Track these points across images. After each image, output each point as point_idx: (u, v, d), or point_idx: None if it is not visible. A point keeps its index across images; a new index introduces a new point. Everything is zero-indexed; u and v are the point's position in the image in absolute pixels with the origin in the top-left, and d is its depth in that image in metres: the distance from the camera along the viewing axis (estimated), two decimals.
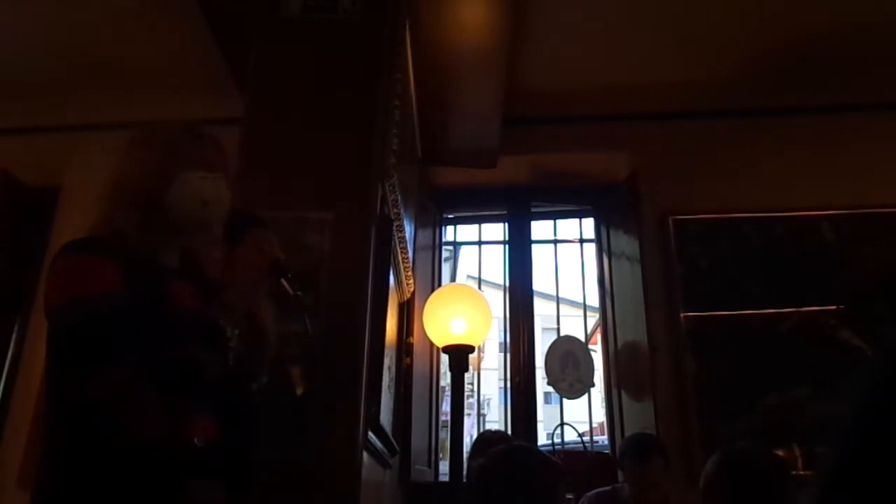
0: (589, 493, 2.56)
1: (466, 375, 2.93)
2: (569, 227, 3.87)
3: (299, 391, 1.74)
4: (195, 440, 1.12)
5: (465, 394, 3.56)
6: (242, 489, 1.23)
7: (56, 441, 1.12)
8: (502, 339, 3.75)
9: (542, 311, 3.73)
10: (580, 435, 3.32)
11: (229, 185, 1.34)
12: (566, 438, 3.29)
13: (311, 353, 1.77)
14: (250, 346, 1.26)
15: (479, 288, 3.58)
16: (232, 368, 1.20)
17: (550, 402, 6.89)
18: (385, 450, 2.22)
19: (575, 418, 3.43)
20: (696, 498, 1.72)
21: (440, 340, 2.87)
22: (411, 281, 2.93)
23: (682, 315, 3.00)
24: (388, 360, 2.29)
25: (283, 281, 1.22)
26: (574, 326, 3.60)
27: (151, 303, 1.15)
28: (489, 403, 11.06)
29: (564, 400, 3.31)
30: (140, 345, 1.08)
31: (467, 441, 3.51)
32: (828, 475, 0.61)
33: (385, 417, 2.20)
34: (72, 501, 1.08)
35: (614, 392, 3.33)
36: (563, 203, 3.77)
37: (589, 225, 3.75)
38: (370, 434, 1.91)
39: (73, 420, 1.11)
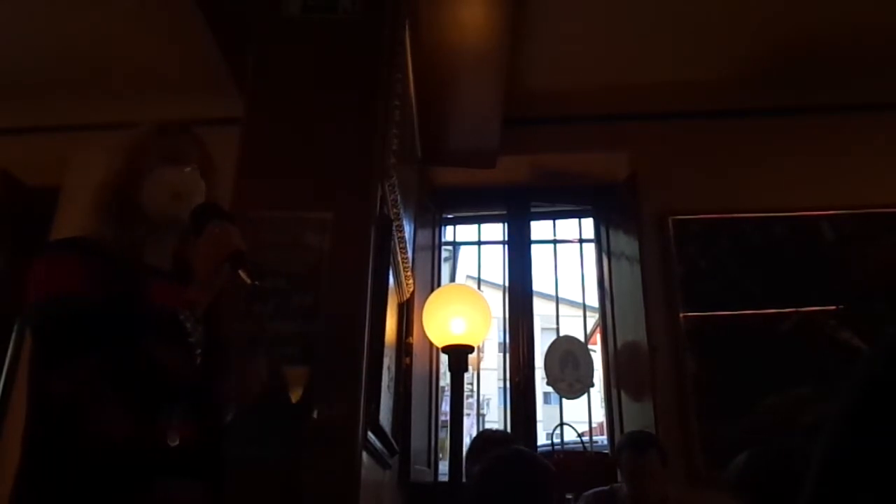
0: (586, 493, 2.56)
1: (466, 375, 2.93)
2: (568, 227, 3.87)
3: (298, 390, 1.74)
4: (168, 439, 1.11)
5: (465, 394, 3.56)
6: (218, 487, 1.22)
7: (29, 437, 1.13)
8: (502, 339, 3.75)
9: (542, 311, 3.73)
10: (580, 435, 3.32)
11: (210, 176, 1.34)
12: (566, 438, 3.29)
13: (310, 353, 1.77)
14: (212, 339, 1.25)
15: (479, 288, 3.58)
16: (200, 364, 1.19)
17: (550, 402, 6.88)
18: (385, 450, 2.22)
19: (574, 418, 3.43)
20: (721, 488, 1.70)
21: (440, 340, 2.87)
22: (411, 281, 2.93)
23: (681, 315, 3.00)
24: (388, 360, 2.29)
25: (240, 271, 1.20)
26: (574, 326, 3.60)
27: (124, 302, 1.15)
28: (489, 403, 11.05)
29: (564, 400, 3.31)
30: (104, 344, 1.08)
31: (467, 441, 3.51)
32: (816, 474, 0.61)
33: (385, 417, 2.20)
34: (40, 499, 1.08)
35: (614, 392, 3.32)
36: (563, 203, 3.77)
37: (588, 225, 3.75)
38: (370, 434, 1.91)
39: (41, 417, 1.13)
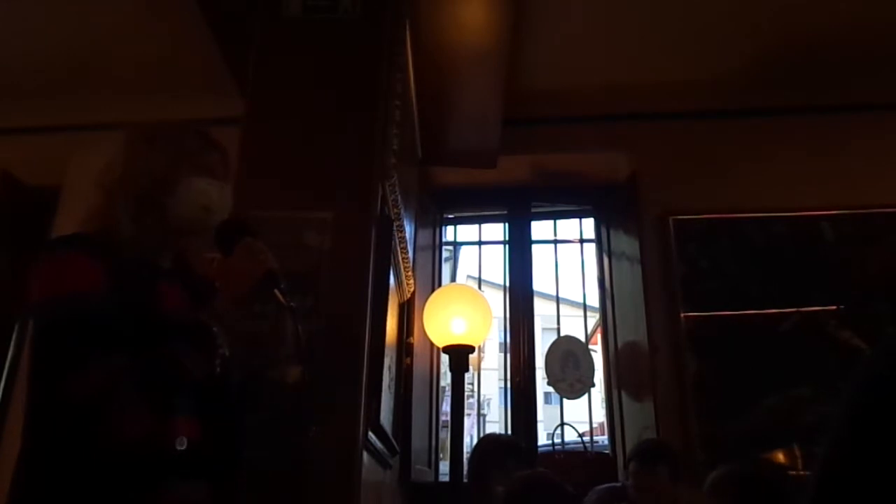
0: (598, 487, 2.55)
1: (466, 375, 2.93)
2: (569, 228, 3.87)
3: (298, 391, 1.74)
4: (176, 442, 1.11)
5: (466, 394, 3.56)
6: (228, 490, 1.22)
7: (34, 440, 1.12)
8: (502, 340, 3.75)
9: (543, 311, 3.73)
10: (580, 435, 3.32)
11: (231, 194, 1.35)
12: (566, 438, 3.29)
13: (310, 353, 1.77)
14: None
15: (480, 288, 3.58)
16: (218, 372, 1.20)
17: (550, 402, 6.88)
18: (385, 450, 2.22)
19: (575, 418, 3.43)
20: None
21: (440, 340, 2.87)
22: (411, 281, 2.93)
23: (682, 315, 3.00)
24: (388, 360, 2.29)
25: (276, 292, 1.22)
26: (574, 326, 3.60)
27: (136, 303, 1.14)
28: (489, 403, 11.05)
29: (564, 400, 3.31)
30: (121, 345, 1.07)
31: (468, 441, 3.51)
32: (818, 473, 0.61)
33: (385, 417, 2.20)
34: (49, 499, 1.07)
35: (614, 392, 3.32)
36: (564, 203, 3.77)
37: (589, 225, 3.75)
38: (370, 434, 1.91)
39: (51, 419, 1.10)
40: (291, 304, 1.24)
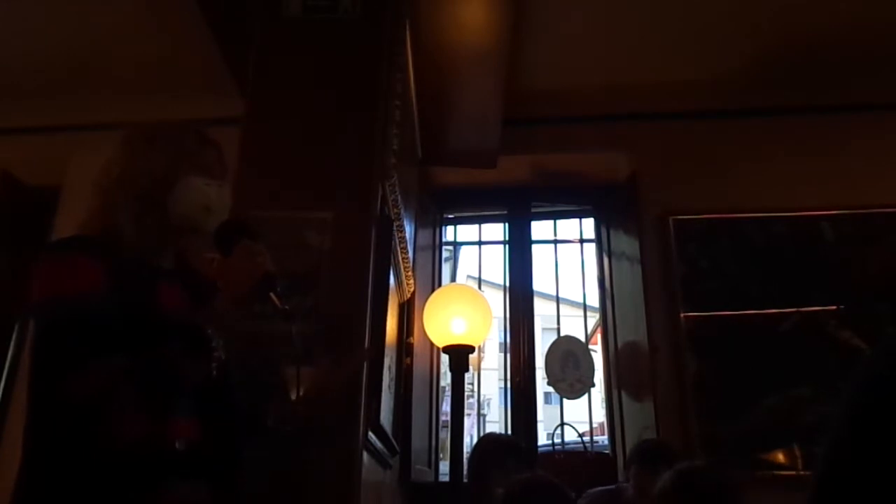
0: (591, 491, 2.54)
1: (466, 375, 2.93)
2: (569, 228, 3.87)
3: (297, 391, 1.74)
4: (176, 443, 1.12)
5: (466, 394, 3.55)
6: (228, 490, 1.22)
7: (34, 440, 1.12)
8: (502, 340, 3.75)
9: (543, 311, 3.73)
10: (580, 435, 3.32)
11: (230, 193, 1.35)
12: (566, 438, 3.29)
13: (310, 354, 1.77)
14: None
15: (479, 288, 3.58)
16: (216, 374, 1.20)
17: (550, 402, 6.89)
18: (385, 450, 2.22)
19: (575, 418, 3.43)
20: None
21: (440, 340, 2.87)
22: (411, 281, 2.93)
23: (682, 315, 3.00)
24: (388, 360, 2.29)
25: (272, 295, 1.22)
26: (574, 326, 3.60)
27: (136, 304, 1.14)
28: (489, 403, 11.06)
29: (564, 400, 3.31)
30: (120, 346, 1.07)
31: (468, 441, 3.51)
32: (818, 473, 0.61)
33: (385, 417, 2.20)
34: (50, 500, 1.07)
35: (614, 392, 3.33)
36: (564, 203, 3.77)
37: (589, 225, 3.75)
38: (370, 434, 1.91)
39: (51, 420, 1.11)
40: (286, 307, 1.24)
